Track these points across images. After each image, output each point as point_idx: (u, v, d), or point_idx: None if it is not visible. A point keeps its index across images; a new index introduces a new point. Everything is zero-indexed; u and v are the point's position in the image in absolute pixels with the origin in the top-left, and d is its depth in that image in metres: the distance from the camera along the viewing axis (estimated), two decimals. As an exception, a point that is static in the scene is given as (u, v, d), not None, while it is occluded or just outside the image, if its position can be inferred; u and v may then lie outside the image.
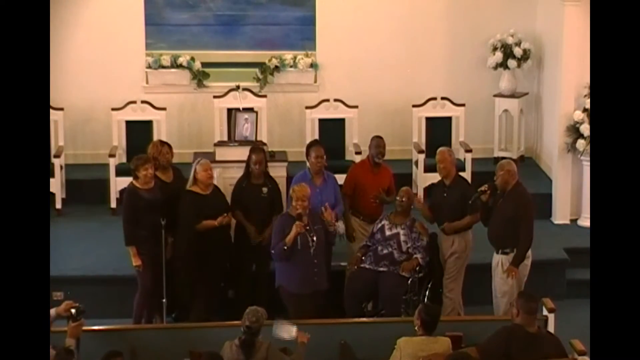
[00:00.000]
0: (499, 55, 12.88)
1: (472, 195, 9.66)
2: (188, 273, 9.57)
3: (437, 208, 9.95)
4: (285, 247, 9.18)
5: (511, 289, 9.36)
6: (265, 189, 9.97)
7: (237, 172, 10.24)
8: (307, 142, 10.80)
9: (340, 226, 10.20)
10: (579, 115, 11.56)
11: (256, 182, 10.00)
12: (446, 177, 9.89)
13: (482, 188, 9.56)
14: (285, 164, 11.04)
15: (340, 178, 10.46)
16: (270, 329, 7.97)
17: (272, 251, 9.35)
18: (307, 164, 10.20)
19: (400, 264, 9.76)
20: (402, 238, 9.84)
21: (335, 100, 12.53)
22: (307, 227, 9.26)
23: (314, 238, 9.25)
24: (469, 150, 12.14)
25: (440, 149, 10.11)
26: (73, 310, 7.75)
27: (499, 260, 9.50)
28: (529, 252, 9.56)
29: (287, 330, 8.03)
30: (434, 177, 10.67)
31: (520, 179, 9.62)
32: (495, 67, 12.95)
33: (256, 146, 10.32)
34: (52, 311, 7.84)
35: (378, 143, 10.34)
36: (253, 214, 9.87)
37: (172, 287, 9.55)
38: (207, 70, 12.97)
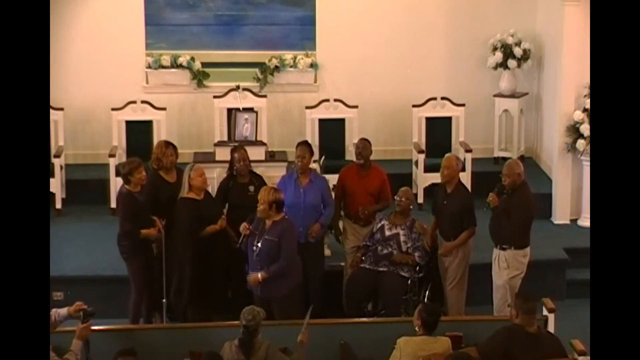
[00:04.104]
0: (499, 55, 12.88)
1: (472, 205, 9.62)
2: (191, 277, 9.54)
3: (437, 213, 9.91)
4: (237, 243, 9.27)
5: (504, 283, 9.43)
6: (252, 187, 9.85)
7: (237, 172, 10.20)
8: (308, 142, 10.79)
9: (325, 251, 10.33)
10: (579, 115, 11.56)
11: (242, 181, 9.93)
12: (448, 183, 9.78)
13: (490, 199, 9.51)
14: (285, 164, 11.03)
15: (340, 178, 10.45)
16: (270, 329, 7.96)
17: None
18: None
19: (401, 264, 9.76)
20: (402, 238, 9.84)
21: (335, 100, 12.53)
22: (256, 232, 9.10)
23: (258, 245, 9.06)
24: (469, 150, 12.13)
25: (448, 154, 10.04)
26: (82, 313, 7.77)
27: (497, 255, 9.55)
28: (528, 251, 9.59)
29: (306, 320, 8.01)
30: (434, 177, 10.66)
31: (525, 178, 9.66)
32: (495, 67, 12.95)
33: (235, 146, 10.26)
34: (64, 310, 7.90)
35: (357, 145, 10.31)
36: (242, 213, 9.59)
37: (169, 288, 9.55)
38: (207, 70, 12.97)
